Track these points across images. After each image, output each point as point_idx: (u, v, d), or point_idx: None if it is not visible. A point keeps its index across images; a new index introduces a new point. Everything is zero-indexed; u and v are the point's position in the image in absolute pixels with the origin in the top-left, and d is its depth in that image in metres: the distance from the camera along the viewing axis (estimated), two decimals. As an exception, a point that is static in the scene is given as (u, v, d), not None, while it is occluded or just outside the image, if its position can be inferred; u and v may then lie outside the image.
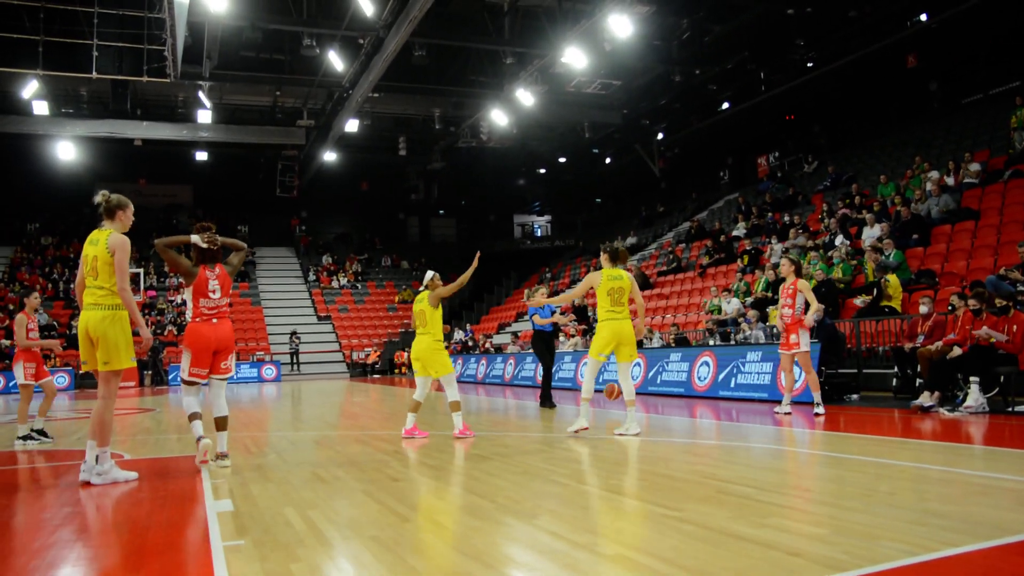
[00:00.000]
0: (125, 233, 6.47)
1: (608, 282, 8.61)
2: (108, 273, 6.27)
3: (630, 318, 8.69)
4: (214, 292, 7.02)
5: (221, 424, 7.14)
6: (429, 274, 9.26)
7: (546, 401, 12.78)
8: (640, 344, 17.47)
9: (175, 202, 41.66)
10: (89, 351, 6.34)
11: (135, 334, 6.56)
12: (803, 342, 9.83)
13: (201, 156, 35.76)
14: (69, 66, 22.30)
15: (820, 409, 9.83)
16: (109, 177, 38.55)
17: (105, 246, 6.28)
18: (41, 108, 26.78)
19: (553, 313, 12.97)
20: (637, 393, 15.34)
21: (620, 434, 8.56)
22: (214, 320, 7.03)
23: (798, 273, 10.15)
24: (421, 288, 9.27)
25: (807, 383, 10.67)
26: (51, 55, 21.78)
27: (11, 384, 26.64)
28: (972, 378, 9.56)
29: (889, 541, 3.81)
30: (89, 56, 21.33)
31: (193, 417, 7.03)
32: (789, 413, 10.10)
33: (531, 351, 22.17)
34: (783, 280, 10.48)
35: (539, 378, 14.35)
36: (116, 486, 6.29)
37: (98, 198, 6.47)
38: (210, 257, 7.07)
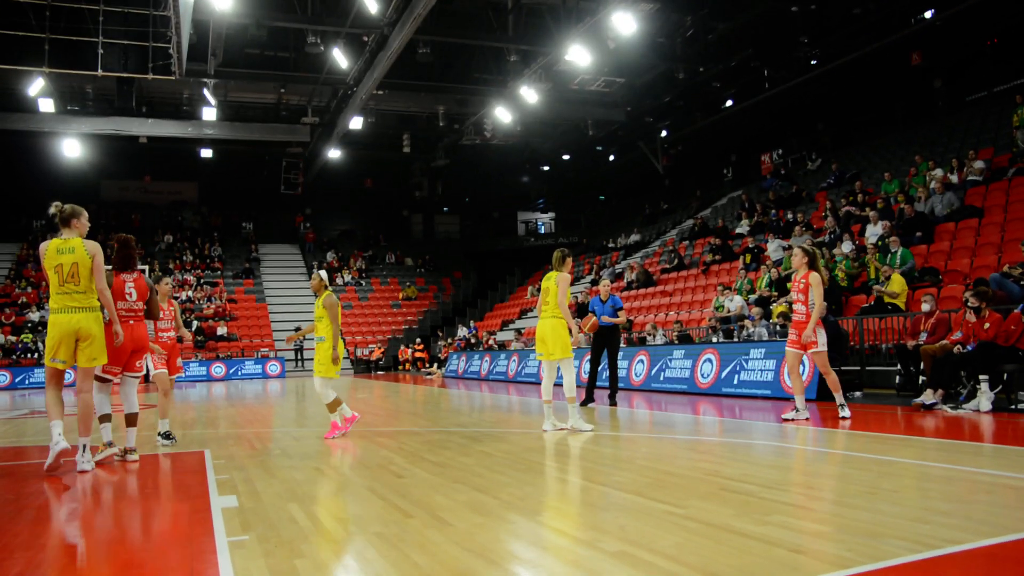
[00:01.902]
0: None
1: (543, 283, 9.06)
2: (89, 277, 6.69)
3: (553, 317, 8.88)
4: (130, 295, 7.48)
5: (131, 420, 7.54)
6: (324, 274, 9.15)
7: (612, 398, 12.47)
8: (644, 341, 17.50)
9: (180, 199, 41.75)
10: (71, 350, 6.69)
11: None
12: (820, 341, 9.04)
13: (206, 153, 35.77)
14: (75, 64, 22.28)
15: (846, 412, 9.09)
16: (114, 174, 38.82)
17: (85, 252, 6.72)
18: (47, 106, 26.81)
19: (618, 310, 12.35)
20: (640, 389, 15.53)
21: (562, 428, 8.92)
22: (131, 321, 7.44)
23: (812, 265, 9.22)
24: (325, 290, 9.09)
25: (808, 383, 10.66)
26: (57, 53, 21.72)
27: (16, 380, 26.76)
28: (982, 377, 9.46)
29: (892, 538, 3.81)
30: (95, 54, 21.29)
31: (104, 419, 7.46)
32: (808, 419, 9.15)
33: (533, 348, 22.27)
34: (792, 273, 10.17)
35: (584, 375, 14.02)
36: (121, 479, 6.42)
37: (52, 210, 6.87)
38: (124, 264, 7.55)
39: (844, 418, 8.96)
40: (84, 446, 6.81)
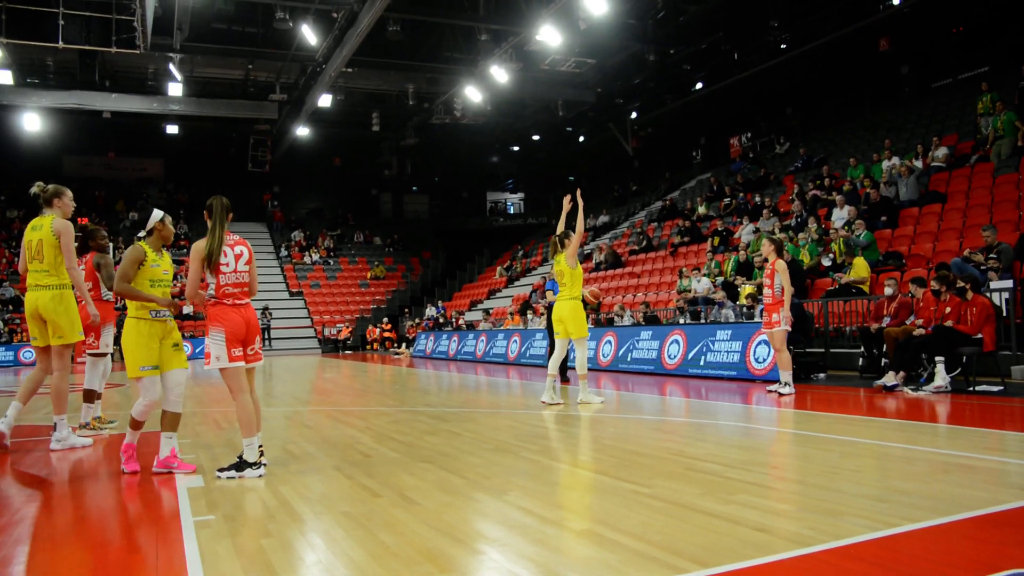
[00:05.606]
0: (69, 218, 6.92)
1: (555, 267, 9.78)
2: (53, 256, 6.66)
3: (571, 299, 9.50)
4: None
5: (87, 397, 7.95)
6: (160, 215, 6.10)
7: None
8: (612, 322, 17.59)
9: (145, 176, 41.06)
10: (39, 328, 6.77)
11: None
12: (782, 320, 9.90)
13: (172, 129, 35.19)
14: (34, 35, 21.64)
15: (785, 389, 9.87)
16: (77, 149, 38.09)
17: (51, 230, 6.67)
18: (6, 78, 26.14)
19: None
20: (608, 370, 15.60)
21: (559, 403, 9.53)
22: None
23: (779, 253, 10.15)
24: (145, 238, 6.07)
25: (772, 365, 10.86)
26: (15, 22, 21.11)
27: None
28: (937, 358, 9.64)
29: (853, 517, 3.88)
30: (55, 25, 20.75)
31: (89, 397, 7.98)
32: (793, 392, 9.96)
33: (501, 328, 22.30)
34: (763, 261, 10.62)
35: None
36: (85, 459, 6.39)
37: (34, 189, 6.87)
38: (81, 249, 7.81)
39: (782, 395, 9.78)
40: (55, 424, 6.89)
